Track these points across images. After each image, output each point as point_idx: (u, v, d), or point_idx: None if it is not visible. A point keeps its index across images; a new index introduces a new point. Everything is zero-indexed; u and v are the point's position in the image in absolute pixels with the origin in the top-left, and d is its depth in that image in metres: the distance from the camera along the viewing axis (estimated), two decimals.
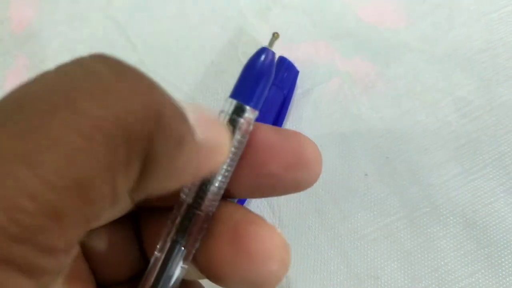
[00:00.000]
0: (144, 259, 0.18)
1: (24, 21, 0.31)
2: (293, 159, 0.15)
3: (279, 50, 0.29)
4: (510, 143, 0.27)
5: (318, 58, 0.30)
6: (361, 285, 0.26)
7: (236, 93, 0.16)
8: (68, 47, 0.31)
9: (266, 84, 0.17)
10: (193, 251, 0.16)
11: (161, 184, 0.13)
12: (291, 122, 0.28)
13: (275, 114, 0.27)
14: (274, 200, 0.27)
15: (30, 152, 0.10)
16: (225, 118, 0.16)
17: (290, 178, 0.16)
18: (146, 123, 0.11)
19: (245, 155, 0.16)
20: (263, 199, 0.27)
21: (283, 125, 0.28)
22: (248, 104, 0.16)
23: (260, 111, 0.26)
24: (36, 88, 0.11)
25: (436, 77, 0.28)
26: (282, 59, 0.28)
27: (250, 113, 0.16)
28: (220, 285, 0.16)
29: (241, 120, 0.16)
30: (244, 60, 0.30)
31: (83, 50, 0.31)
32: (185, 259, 0.15)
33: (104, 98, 0.11)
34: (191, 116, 0.13)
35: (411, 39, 0.29)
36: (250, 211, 0.16)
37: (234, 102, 0.16)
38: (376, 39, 0.30)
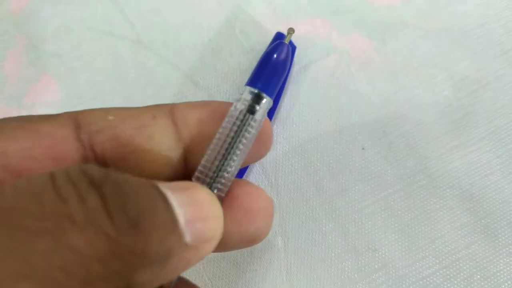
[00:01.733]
0: None
1: (23, 0, 0.31)
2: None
3: (276, 27, 0.30)
4: (506, 117, 0.27)
5: (315, 35, 0.30)
6: (359, 258, 0.26)
7: (254, 82, 0.17)
8: (67, 27, 0.31)
9: (282, 76, 0.18)
10: None
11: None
12: (289, 97, 0.28)
13: None
14: (272, 174, 0.27)
15: (7, 278, 0.09)
16: (242, 104, 0.17)
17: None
18: (128, 263, 0.11)
19: None
20: (261, 172, 0.27)
21: (280, 99, 0.28)
22: (265, 92, 0.17)
23: None
24: (23, 204, 0.10)
25: (432, 52, 0.29)
26: (280, 35, 0.28)
27: (266, 101, 0.17)
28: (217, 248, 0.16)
29: (258, 107, 0.17)
30: (242, 39, 0.31)
31: (82, 29, 0.31)
32: None
33: (93, 233, 0.10)
34: (182, 219, 0.12)
35: (407, 15, 0.30)
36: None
37: (252, 89, 0.17)
38: (373, 16, 0.30)
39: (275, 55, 0.17)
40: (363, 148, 0.27)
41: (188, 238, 0.12)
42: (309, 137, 0.28)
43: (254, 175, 0.27)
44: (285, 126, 0.28)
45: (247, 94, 0.17)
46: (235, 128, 0.16)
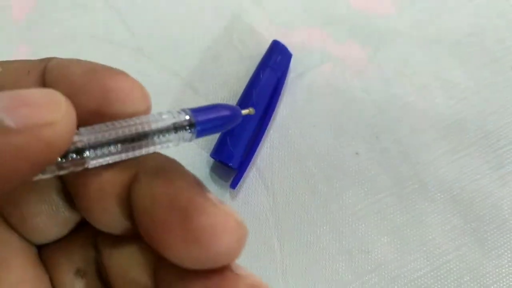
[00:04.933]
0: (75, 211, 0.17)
1: (25, 8, 0.32)
2: None
3: (273, 35, 0.30)
4: (495, 123, 0.28)
5: (311, 44, 0.31)
6: (352, 260, 0.27)
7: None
8: (69, 35, 0.32)
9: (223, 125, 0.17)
10: None
11: None
12: (284, 104, 0.29)
13: (269, 95, 0.28)
14: (268, 178, 0.28)
15: None
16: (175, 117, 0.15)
17: None
18: None
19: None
20: (257, 176, 0.28)
21: (276, 106, 0.29)
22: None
23: (255, 93, 0.27)
24: None
25: (424, 61, 0.30)
26: (276, 43, 0.29)
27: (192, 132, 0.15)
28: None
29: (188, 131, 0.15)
30: (239, 46, 0.31)
31: (83, 37, 0.32)
32: None
33: None
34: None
35: (401, 24, 0.30)
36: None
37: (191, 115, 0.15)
38: (367, 25, 0.31)
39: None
40: (357, 153, 0.28)
41: (9, 121, 0.11)
42: (305, 143, 0.29)
43: (250, 179, 0.28)
44: (281, 132, 0.29)
45: (184, 115, 0.15)
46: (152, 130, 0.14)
